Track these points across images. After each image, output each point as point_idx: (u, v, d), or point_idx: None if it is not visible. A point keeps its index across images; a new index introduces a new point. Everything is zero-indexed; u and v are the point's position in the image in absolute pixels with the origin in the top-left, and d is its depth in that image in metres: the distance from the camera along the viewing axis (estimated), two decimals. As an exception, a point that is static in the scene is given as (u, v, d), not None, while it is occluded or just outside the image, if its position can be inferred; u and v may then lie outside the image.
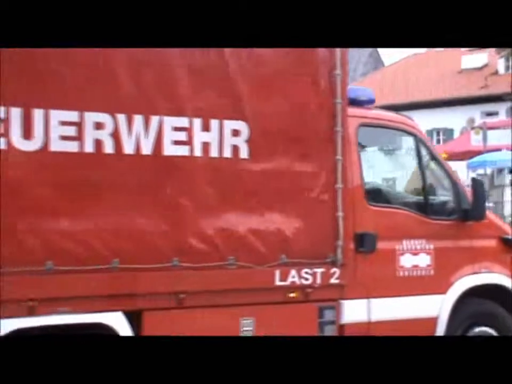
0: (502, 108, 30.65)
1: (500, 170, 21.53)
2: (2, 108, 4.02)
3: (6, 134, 4.05)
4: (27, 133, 4.12)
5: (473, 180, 6.15)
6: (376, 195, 5.63)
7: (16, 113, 4.07)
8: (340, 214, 5.01)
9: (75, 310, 4.23)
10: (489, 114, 30.42)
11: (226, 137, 4.70)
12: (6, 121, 4.05)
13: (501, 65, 33.92)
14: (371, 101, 5.83)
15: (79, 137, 4.26)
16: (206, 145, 4.63)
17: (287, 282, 4.86)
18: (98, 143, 4.31)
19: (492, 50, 29.10)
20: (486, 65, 34.74)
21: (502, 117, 29.31)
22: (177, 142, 4.55)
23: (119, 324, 4.34)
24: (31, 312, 4.09)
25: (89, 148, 4.28)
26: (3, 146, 4.03)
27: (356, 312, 5.26)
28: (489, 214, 6.15)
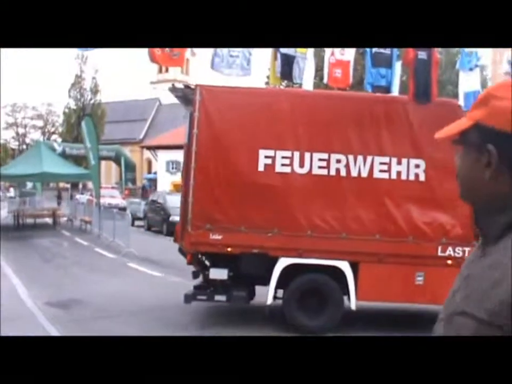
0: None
1: None
2: (290, 152, 7.94)
3: (291, 164, 7.95)
4: (301, 164, 7.96)
5: None
6: None
7: (296, 155, 7.96)
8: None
9: (322, 257, 7.92)
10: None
11: (411, 168, 7.95)
12: (291, 158, 7.96)
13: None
14: None
15: (327, 167, 7.96)
16: (399, 173, 7.94)
17: (446, 254, 7.88)
18: (337, 170, 7.96)
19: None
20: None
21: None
22: (381, 170, 7.96)
23: (346, 268, 7.87)
24: (299, 256, 7.91)
25: (332, 172, 7.96)
26: (289, 171, 7.95)
27: None
28: None
